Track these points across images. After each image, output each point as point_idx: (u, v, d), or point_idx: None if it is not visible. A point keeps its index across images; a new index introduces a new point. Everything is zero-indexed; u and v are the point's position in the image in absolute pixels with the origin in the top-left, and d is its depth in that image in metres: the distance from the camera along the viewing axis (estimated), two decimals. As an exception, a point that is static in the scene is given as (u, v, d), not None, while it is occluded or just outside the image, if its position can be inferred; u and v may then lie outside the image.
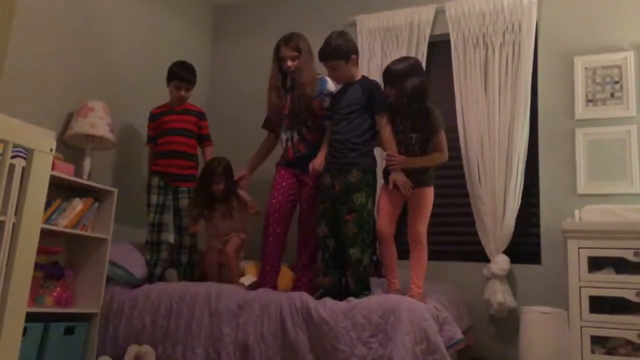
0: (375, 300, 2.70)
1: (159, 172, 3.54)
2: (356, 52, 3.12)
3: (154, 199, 3.50)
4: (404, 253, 3.07)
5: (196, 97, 3.81)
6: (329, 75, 3.17)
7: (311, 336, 2.68)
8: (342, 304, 2.71)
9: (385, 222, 2.97)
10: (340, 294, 2.86)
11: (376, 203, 3.06)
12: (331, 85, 3.30)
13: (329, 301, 2.75)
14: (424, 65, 3.86)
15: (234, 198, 3.45)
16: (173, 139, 3.57)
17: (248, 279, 3.27)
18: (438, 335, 2.54)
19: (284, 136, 3.36)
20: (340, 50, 3.02)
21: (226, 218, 3.46)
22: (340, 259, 2.99)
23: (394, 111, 2.98)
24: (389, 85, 2.96)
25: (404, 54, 3.82)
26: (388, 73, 2.98)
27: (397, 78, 2.91)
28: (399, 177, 2.89)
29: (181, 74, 3.62)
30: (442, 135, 2.94)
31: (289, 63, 3.26)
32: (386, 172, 2.98)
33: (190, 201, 3.53)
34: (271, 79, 3.36)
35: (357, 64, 3.13)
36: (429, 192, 2.95)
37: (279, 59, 3.31)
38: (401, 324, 2.51)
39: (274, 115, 3.39)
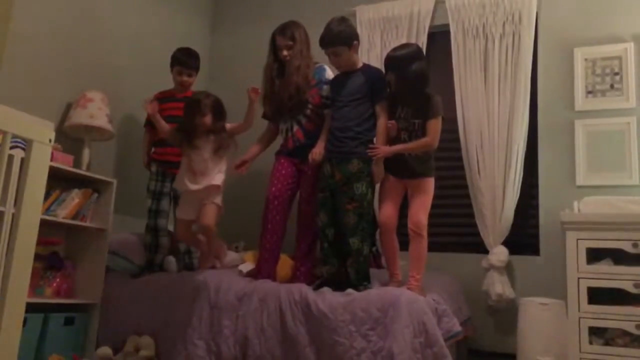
0: (375, 294, 2.70)
1: (157, 159, 3.55)
2: (358, 38, 3.11)
3: (151, 185, 3.52)
4: (403, 244, 3.07)
5: (195, 86, 3.80)
6: (331, 62, 3.14)
7: (310, 329, 2.69)
8: (341, 298, 2.71)
9: (386, 212, 2.95)
10: (339, 284, 2.87)
11: (377, 193, 3.06)
12: (330, 74, 3.29)
13: (328, 294, 2.76)
14: (423, 56, 3.87)
15: (222, 135, 3.16)
16: (172, 126, 3.56)
17: (246, 267, 3.27)
18: (437, 328, 2.54)
19: (283, 126, 3.35)
20: (343, 36, 3.01)
21: (213, 154, 3.13)
22: (339, 249, 3.00)
23: (395, 98, 2.97)
24: (391, 71, 2.95)
25: (403, 44, 3.81)
26: (390, 59, 2.97)
27: (400, 64, 2.90)
28: (377, 170, 2.93)
29: (183, 59, 3.62)
30: (437, 122, 2.91)
31: (285, 52, 3.25)
32: (387, 162, 2.98)
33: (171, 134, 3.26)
34: (265, 69, 3.35)
35: (357, 51, 3.12)
36: (430, 183, 2.94)
37: (275, 48, 3.30)
38: (400, 317, 2.51)
39: (266, 106, 3.38)
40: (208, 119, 3.13)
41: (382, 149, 2.92)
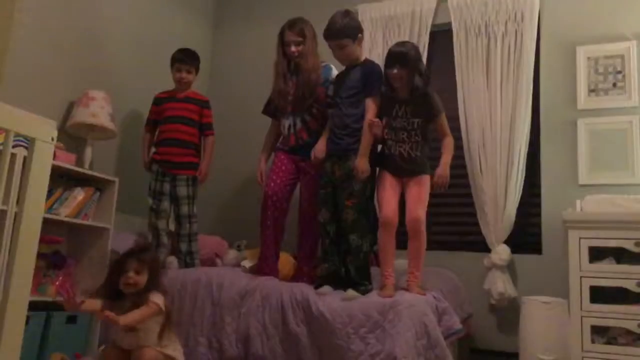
0: (375, 296, 2.69)
1: (158, 160, 3.55)
2: (362, 31, 3.09)
3: (152, 185, 3.53)
4: (401, 243, 3.05)
5: (196, 85, 3.80)
6: (335, 55, 3.11)
7: (311, 329, 2.69)
8: (342, 300, 2.70)
9: (392, 207, 2.88)
10: (339, 281, 2.86)
11: (376, 190, 3.05)
12: (335, 73, 3.28)
13: (328, 295, 2.75)
14: (425, 54, 3.88)
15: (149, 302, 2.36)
16: (173, 126, 3.56)
17: (249, 262, 3.29)
18: (438, 329, 2.54)
19: (286, 122, 3.33)
20: (348, 28, 2.99)
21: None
22: (340, 247, 2.99)
23: (394, 95, 2.94)
24: (401, 66, 2.87)
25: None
26: (400, 54, 2.90)
27: (412, 57, 2.88)
28: (360, 165, 2.86)
29: (180, 56, 3.65)
30: (444, 118, 2.94)
31: (293, 48, 3.24)
32: (385, 162, 2.96)
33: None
34: (276, 65, 3.34)
35: (362, 44, 3.11)
36: (427, 179, 2.92)
37: (283, 44, 3.29)
38: (401, 320, 2.50)
39: (280, 101, 3.35)
40: (142, 279, 2.41)
41: (443, 179, 2.86)
